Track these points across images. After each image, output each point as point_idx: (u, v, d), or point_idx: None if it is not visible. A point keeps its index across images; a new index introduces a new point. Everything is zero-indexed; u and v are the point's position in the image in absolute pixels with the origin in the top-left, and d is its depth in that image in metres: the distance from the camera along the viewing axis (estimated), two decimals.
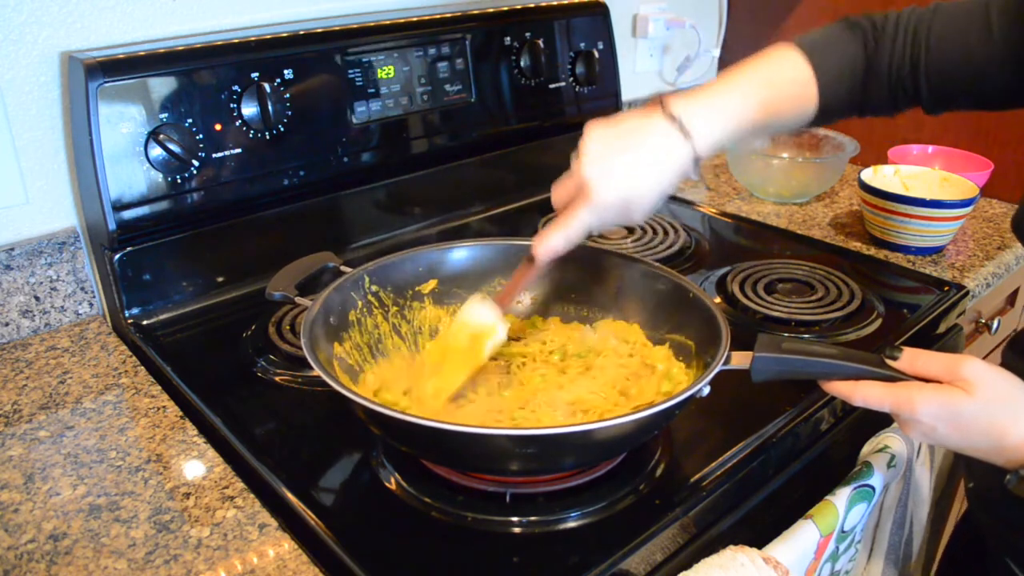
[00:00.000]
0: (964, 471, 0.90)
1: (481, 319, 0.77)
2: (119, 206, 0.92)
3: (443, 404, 0.74)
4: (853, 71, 0.81)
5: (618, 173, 0.71)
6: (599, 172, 0.71)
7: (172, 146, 0.92)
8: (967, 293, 1.08)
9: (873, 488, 0.79)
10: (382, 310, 0.83)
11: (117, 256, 0.95)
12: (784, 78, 0.79)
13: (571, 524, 0.67)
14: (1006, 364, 0.86)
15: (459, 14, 1.18)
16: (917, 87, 0.80)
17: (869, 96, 0.82)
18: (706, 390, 0.67)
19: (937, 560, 1.04)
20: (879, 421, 0.84)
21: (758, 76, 0.78)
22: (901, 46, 0.80)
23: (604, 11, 1.34)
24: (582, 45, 1.32)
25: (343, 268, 0.85)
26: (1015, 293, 1.37)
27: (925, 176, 1.25)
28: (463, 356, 0.76)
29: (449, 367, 0.76)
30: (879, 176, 1.25)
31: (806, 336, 0.96)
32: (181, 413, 0.82)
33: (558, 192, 0.75)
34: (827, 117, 0.83)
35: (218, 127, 0.97)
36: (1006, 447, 0.60)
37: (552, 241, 0.73)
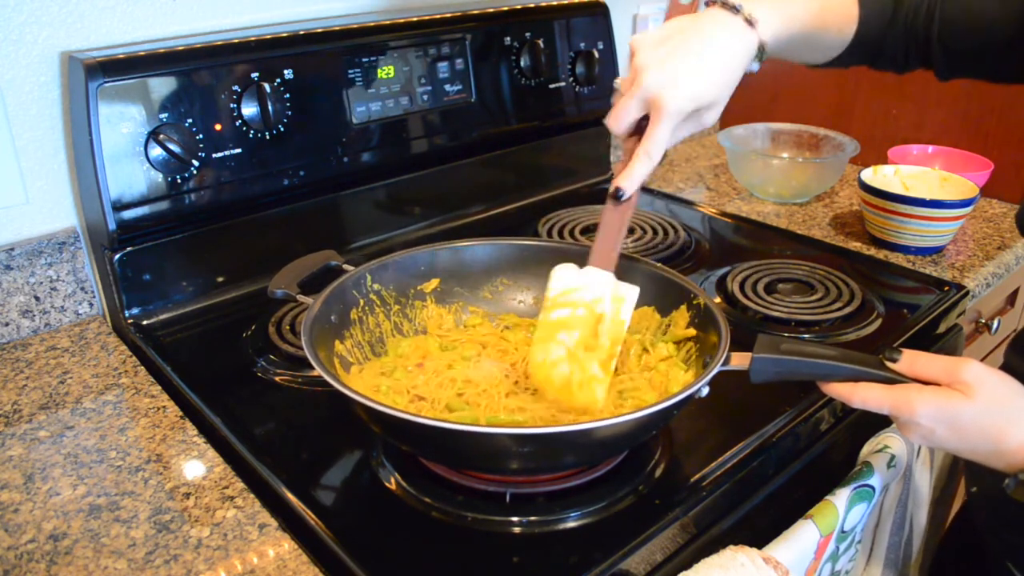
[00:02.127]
0: (966, 474, 0.90)
1: (619, 288, 0.72)
2: (119, 206, 0.92)
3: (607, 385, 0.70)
4: (884, 9, 0.81)
5: (686, 76, 0.65)
6: (666, 80, 0.65)
7: (172, 146, 0.92)
8: (967, 293, 1.08)
9: (873, 488, 0.80)
10: (384, 308, 0.84)
11: (117, 256, 0.95)
12: None
13: (571, 524, 0.67)
14: (1008, 365, 0.86)
15: (459, 14, 1.18)
16: (929, 38, 0.80)
17: (889, 39, 0.82)
18: (705, 390, 0.67)
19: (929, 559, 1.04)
20: (879, 421, 0.84)
21: None
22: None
23: (604, 11, 1.34)
24: (582, 45, 1.32)
25: (345, 267, 0.85)
26: (1015, 293, 1.37)
27: (925, 176, 1.25)
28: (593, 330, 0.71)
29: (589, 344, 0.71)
30: (879, 176, 1.25)
31: (806, 336, 0.96)
32: (181, 413, 0.82)
33: (618, 118, 0.69)
34: (857, 51, 0.82)
35: (218, 127, 0.97)
36: (1005, 451, 0.60)
37: (637, 170, 0.68)
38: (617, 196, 0.70)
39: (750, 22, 0.69)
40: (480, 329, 0.87)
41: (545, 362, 0.72)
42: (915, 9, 0.81)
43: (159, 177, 0.94)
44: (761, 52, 0.71)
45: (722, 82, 0.68)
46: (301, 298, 0.79)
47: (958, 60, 0.81)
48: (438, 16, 1.16)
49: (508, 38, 1.23)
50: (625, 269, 0.85)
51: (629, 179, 0.69)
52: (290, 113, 1.02)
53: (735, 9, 0.69)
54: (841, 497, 0.76)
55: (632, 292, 0.74)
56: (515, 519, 0.67)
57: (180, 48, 0.95)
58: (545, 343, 0.73)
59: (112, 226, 0.93)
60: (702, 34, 0.68)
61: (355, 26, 1.08)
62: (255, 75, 0.98)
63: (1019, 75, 0.80)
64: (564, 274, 0.74)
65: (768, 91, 1.75)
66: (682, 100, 0.66)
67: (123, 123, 0.90)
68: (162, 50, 0.94)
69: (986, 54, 0.79)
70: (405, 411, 0.63)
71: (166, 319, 0.99)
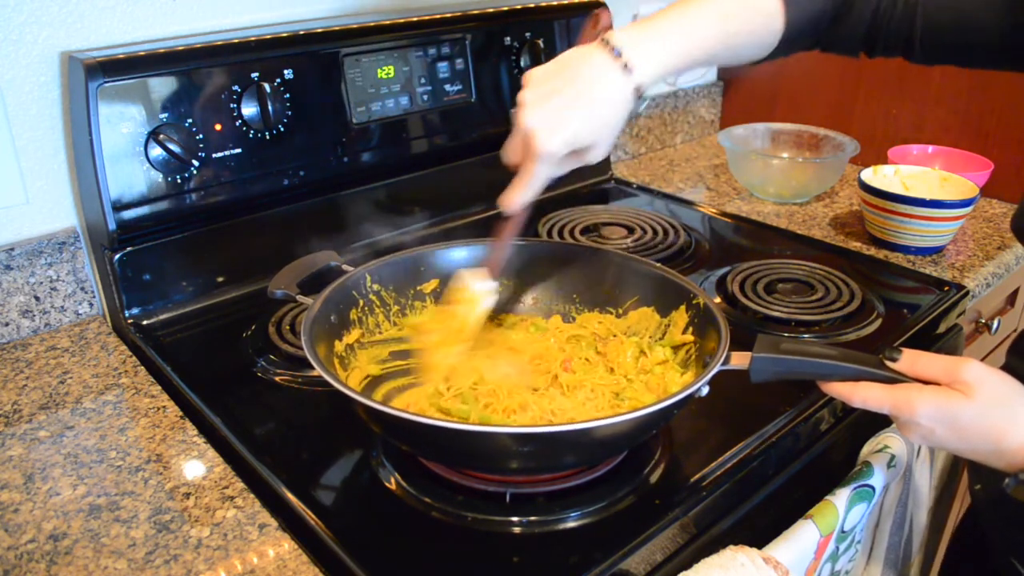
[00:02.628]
0: (969, 473, 0.90)
1: (478, 287, 0.79)
2: (119, 206, 0.92)
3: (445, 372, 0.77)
4: (822, 15, 0.79)
5: (559, 120, 0.68)
6: (540, 122, 0.68)
7: (172, 146, 0.92)
8: (967, 293, 1.08)
9: (873, 488, 0.79)
10: (383, 309, 0.84)
11: (117, 256, 0.95)
12: (747, 7, 0.76)
13: (571, 524, 0.67)
14: (1009, 367, 0.86)
15: (459, 14, 1.18)
16: (911, 33, 0.79)
17: (841, 29, 0.80)
18: (705, 390, 0.67)
19: (940, 560, 1.04)
20: (879, 421, 0.84)
21: (714, 7, 0.74)
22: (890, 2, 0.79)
23: (604, 11, 1.34)
24: None
25: (345, 267, 0.85)
26: (1015, 293, 1.37)
27: (925, 176, 1.25)
28: (461, 325, 0.78)
29: (447, 337, 0.78)
30: (879, 176, 1.25)
31: (806, 336, 0.96)
32: (181, 413, 0.82)
33: (509, 150, 0.73)
34: (788, 50, 0.80)
35: (218, 127, 0.97)
36: (1005, 450, 0.60)
37: (517, 198, 0.73)
38: (502, 214, 0.76)
39: (627, 68, 0.69)
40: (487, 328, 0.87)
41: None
42: (888, 6, 0.79)
43: (159, 177, 0.94)
44: (641, 96, 0.72)
45: (598, 126, 0.70)
46: (301, 298, 0.79)
47: (941, 54, 0.80)
48: (438, 16, 1.16)
49: (508, 38, 1.23)
50: (625, 269, 0.85)
51: (510, 203, 0.74)
52: (290, 113, 1.02)
53: (616, 53, 0.69)
54: (841, 497, 0.76)
55: (490, 299, 0.80)
56: (515, 519, 0.67)
57: (180, 48, 0.95)
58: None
59: (112, 226, 0.93)
60: (582, 79, 0.69)
61: (355, 26, 1.08)
62: (255, 75, 0.98)
63: (997, 59, 0.79)
64: (468, 278, 0.81)
65: (768, 91, 1.75)
66: (556, 144, 0.68)
67: (123, 123, 0.90)
68: (162, 50, 0.94)
69: (964, 38, 0.79)
70: (405, 411, 0.63)
71: (166, 319, 0.99)
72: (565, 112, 0.68)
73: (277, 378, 0.87)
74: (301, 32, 1.03)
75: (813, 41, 0.82)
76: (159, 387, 0.87)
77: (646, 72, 0.70)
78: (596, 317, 0.87)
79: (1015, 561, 0.80)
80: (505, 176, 1.27)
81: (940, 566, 1.01)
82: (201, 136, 0.96)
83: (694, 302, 0.78)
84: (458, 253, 0.88)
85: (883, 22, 0.80)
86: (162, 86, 0.92)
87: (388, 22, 1.11)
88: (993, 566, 0.85)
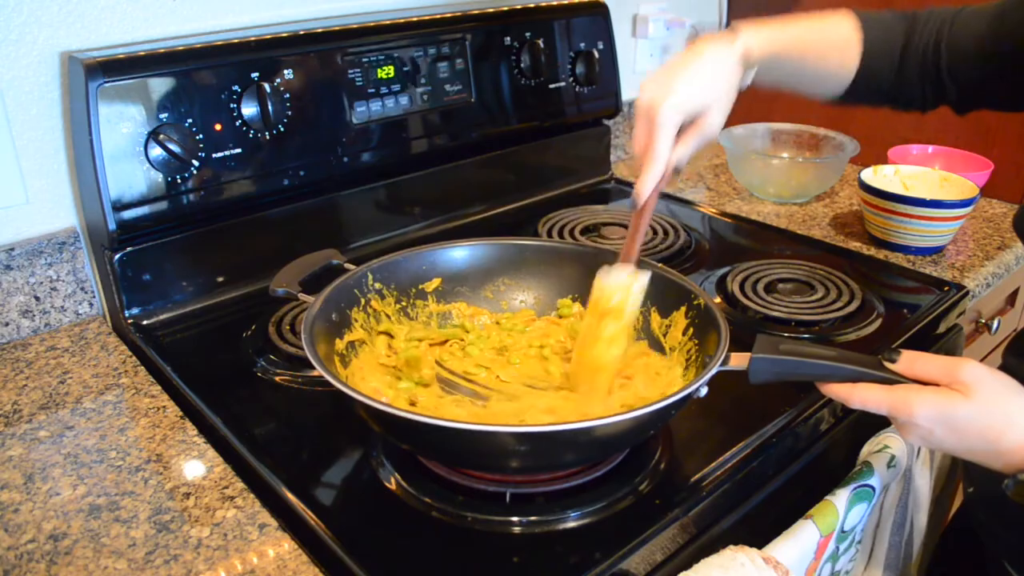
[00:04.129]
0: (964, 475, 0.90)
1: (619, 281, 0.76)
2: (119, 206, 0.92)
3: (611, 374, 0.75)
4: (892, 48, 0.85)
5: (673, 82, 0.72)
6: (656, 90, 0.72)
7: (172, 146, 0.92)
8: (967, 293, 1.08)
9: (873, 488, 0.80)
10: (385, 308, 0.84)
11: (117, 256, 0.95)
12: (833, 27, 0.85)
13: (571, 524, 0.67)
14: (1007, 367, 0.86)
15: (459, 14, 1.18)
16: (939, 73, 0.84)
17: (903, 78, 0.86)
18: (704, 390, 0.67)
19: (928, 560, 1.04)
20: (879, 421, 0.84)
21: (808, 19, 0.84)
22: (930, 32, 0.84)
23: (604, 11, 1.34)
24: (582, 45, 1.32)
25: (347, 266, 0.85)
26: (1015, 293, 1.37)
27: (925, 176, 1.25)
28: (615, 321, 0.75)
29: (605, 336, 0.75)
30: (879, 176, 1.25)
31: (806, 336, 0.96)
32: (181, 413, 0.82)
33: (635, 138, 0.75)
34: (866, 87, 0.87)
35: (218, 127, 0.97)
36: (1003, 451, 0.60)
37: (645, 180, 0.73)
38: (634, 204, 0.76)
39: (733, 34, 0.77)
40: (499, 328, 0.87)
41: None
42: (924, 45, 0.84)
43: (159, 177, 0.94)
44: (748, 60, 0.78)
45: (711, 86, 0.75)
46: (303, 296, 0.79)
47: (970, 90, 0.85)
48: (438, 16, 1.16)
49: (508, 38, 1.23)
50: None
51: (639, 187, 0.74)
52: (290, 113, 1.02)
53: (722, 31, 0.78)
54: (841, 497, 0.76)
55: (643, 277, 0.77)
56: (515, 519, 0.67)
57: (180, 48, 0.95)
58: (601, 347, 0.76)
59: (112, 226, 0.93)
60: (692, 51, 0.76)
61: (355, 26, 1.08)
62: (255, 75, 0.98)
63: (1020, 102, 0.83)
64: (610, 275, 0.77)
65: (768, 91, 1.75)
66: (673, 106, 0.72)
67: (123, 123, 0.90)
68: (162, 50, 0.94)
69: (993, 79, 0.83)
70: (405, 410, 0.63)
71: (166, 319, 0.99)
72: (679, 75, 0.73)
73: (277, 378, 0.87)
74: (301, 32, 1.03)
75: (887, 84, 0.87)
76: (159, 387, 0.87)
77: (749, 40, 0.77)
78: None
79: (1008, 565, 0.80)
80: (505, 174, 1.27)
81: (927, 566, 1.01)
82: (201, 136, 0.96)
83: (694, 302, 0.78)
84: (459, 252, 0.88)
85: (922, 53, 0.85)
86: (162, 86, 0.92)
87: (388, 22, 1.11)
88: (984, 569, 0.85)
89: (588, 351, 0.75)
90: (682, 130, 0.75)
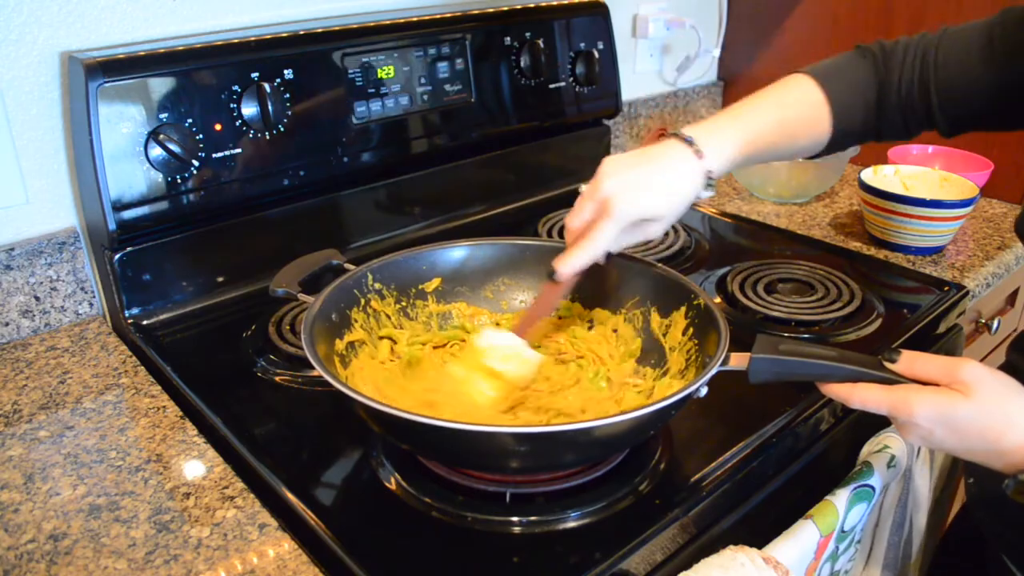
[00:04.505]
0: (966, 472, 0.90)
1: (504, 343, 0.77)
2: (119, 206, 0.92)
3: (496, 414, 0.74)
4: (866, 96, 0.84)
5: (636, 186, 0.73)
6: (617, 186, 0.73)
7: (172, 146, 0.92)
8: (967, 293, 1.08)
9: (873, 488, 0.80)
10: (385, 308, 0.84)
11: (117, 256, 0.95)
12: (797, 100, 0.83)
13: (571, 524, 0.67)
14: (1010, 364, 0.86)
15: (459, 14, 1.18)
16: (929, 108, 0.82)
17: (884, 120, 0.84)
18: (704, 391, 0.67)
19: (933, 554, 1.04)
20: (879, 421, 0.84)
21: (770, 100, 0.82)
22: (910, 69, 0.82)
23: (604, 11, 1.34)
24: (582, 45, 1.32)
25: (347, 266, 0.85)
26: (1015, 293, 1.37)
27: (925, 176, 1.25)
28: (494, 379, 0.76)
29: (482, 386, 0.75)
30: (879, 176, 1.25)
31: (806, 336, 0.96)
32: (181, 413, 0.82)
33: (573, 218, 0.76)
34: (844, 141, 0.85)
35: (218, 127, 0.97)
36: (1003, 451, 0.60)
37: (575, 259, 0.74)
38: (551, 275, 0.76)
39: (699, 153, 0.76)
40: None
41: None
42: (906, 86, 0.82)
43: (159, 177, 0.94)
44: (709, 181, 0.77)
45: (669, 202, 0.75)
46: (302, 296, 0.79)
47: (959, 121, 0.83)
48: (438, 16, 1.16)
49: (508, 38, 1.23)
50: (625, 269, 0.85)
51: (566, 264, 0.74)
52: (290, 113, 1.02)
53: (688, 141, 0.76)
54: (841, 497, 0.76)
55: (534, 360, 0.78)
56: (515, 519, 0.67)
57: (180, 48, 0.95)
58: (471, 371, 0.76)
59: (112, 226, 0.93)
60: (659, 159, 0.75)
61: (355, 26, 1.08)
62: (255, 75, 0.98)
63: (1018, 123, 0.82)
64: (491, 339, 0.78)
65: None
66: (629, 208, 0.72)
67: (123, 123, 0.90)
68: (162, 50, 0.94)
69: (982, 111, 0.81)
70: (405, 410, 0.63)
71: (166, 319, 0.99)
72: (643, 180, 0.74)
73: (277, 378, 0.87)
74: (301, 32, 1.03)
75: (865, 131, 0.86)
76: (159, 387, 0.87)
77: (714, 159, 0.76)
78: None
79: (1008, 560, 0.80)
80: (505, 174, 1.27)
81: (932, 560, 1.01)
82: (201, 136, 0.96)
83: (694, 303, 0.78)
84: (459, 252, 0.88)
85: (905, 95, 0.83)
86: (162, 86, 0.92)
87: (388, 22, 1.11)
88: (987, 567, 0.85)
89: (463, 386, 0.75)
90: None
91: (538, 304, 0.79)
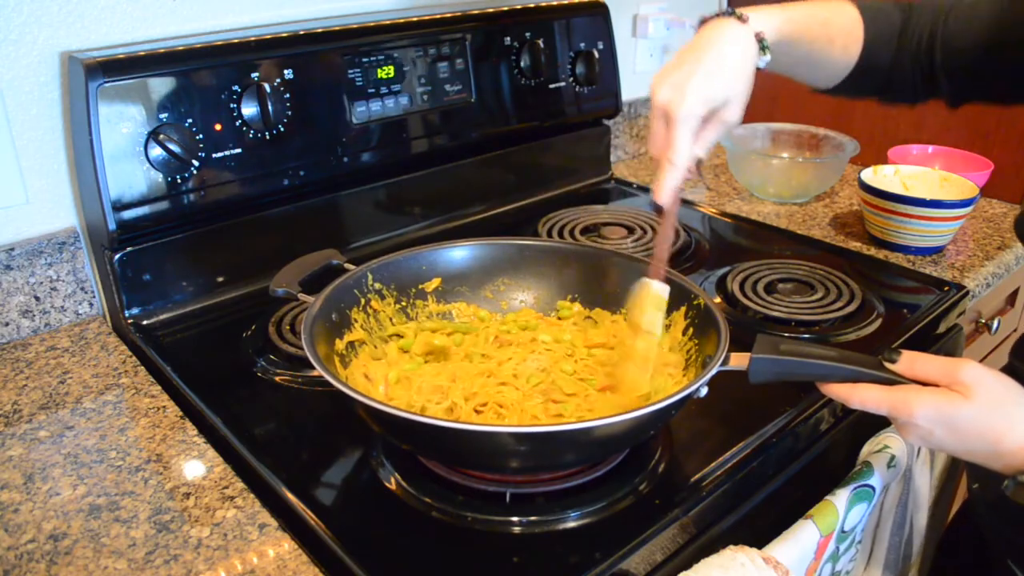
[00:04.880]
0: (968, 472, 0.90)
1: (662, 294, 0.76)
2: (119, 206, 0.92)
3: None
4: (890, 35, 0.85)
5: (688, 78, 0.69)
6: (671, 89, 0.70)
7: (172, 146, 0.92)
8: (967, 293, 1.08)
9: (873, 488, 0.80)
10: (384, 308, 0.84)
11: (117, 256, 0.95)
12: (836, 12, 0.84)
13: (571, 524, 0.67)
14: (1012, 369, 0.86)
15: (459, 14, 1.18)
16: (933, 63, 0.83)
17: (898, 67, 0.85)
18: (704, 391, 0.67)
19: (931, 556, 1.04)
20: (879, 421, 0.84)
21: (809, 4, 0.82)
22: (925, 21, 0.84)
23: (604, 11, 1.34)
24: (582, 45, 1.32)
25: (347, 266, 0.85)
26: (1015, 293, 1.37)
27: (925, 176, 1.25)
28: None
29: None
30: (879, 176, 1.25)
31: (806, 336, 0.96)
32: (181, 413, 0.82)
33: (651, 143, 0.73)
34: (862, 75, 0.86)
35: (218, 127, 0.97)
36: (1003, 452, 0.60)
37: (666, 181, 0.70)
38: (657, 208, 0.73)
39: (741, 18, 0.74)
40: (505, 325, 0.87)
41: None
42: (919, 35, 0.84)
43: (159, 177, 0.94)
44: (762, 43, 0.75)
45: (728, 78, 0.72)
46: (303, 296, 0.79)
47: (964, 83, 0.84)
48: (438, 16, 1.16)
49: (508, 38, 1.23)
50: (626, 269, 0.85)
51: (660, 188, 0.71)
52: (290, 113, 1.02)
53: (729, 14, 0.74)
54: (841, 497, 0.76)
55: (663, 292, 0.76)
56: (515, 519, 0.67)
57: (180, 48, 0.95)
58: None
59: (112, 226, 0.93)
60: (702, 41, 0.73)
61: (355, 26, 1.08)
62: (255, 75, 0.98)
63: (1019, 92, 0.82)
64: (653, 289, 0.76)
65: (768, 91, 1.75)
66: (690, 104, 0.69)
67: (123, 123, 0.90)
68: (162, 50, 0.94)
69: (989, 71, 0.82)
70: (405, 410, 0.63)
71: (166, 319, 0.99)
72: (694, 71, 0.70)
73: (277, 378, 0.87)
74: (301, 32, 1.03)
75: (882, 75, 0.86)
76: (159, 387, 0.87)
77: (760, 22, 0.74)
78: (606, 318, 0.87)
79: (1012, 564, 0.80)
80: (505, 174, 1.27)
81: (931, 562, 1.01)
82: (201, 136, 0.96)
83: (694, 303, 0.78)
84: (459, 252, 0.88)
85: (916, 59, 0.84)
86: (162, 86, 0.92)
87: (388, 22, 1.11)
88: (988, 567, 0.85)
89: (631, 374, 0.74)
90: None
91: (659, 241, 0.76)
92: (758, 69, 0.76)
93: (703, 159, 0.73)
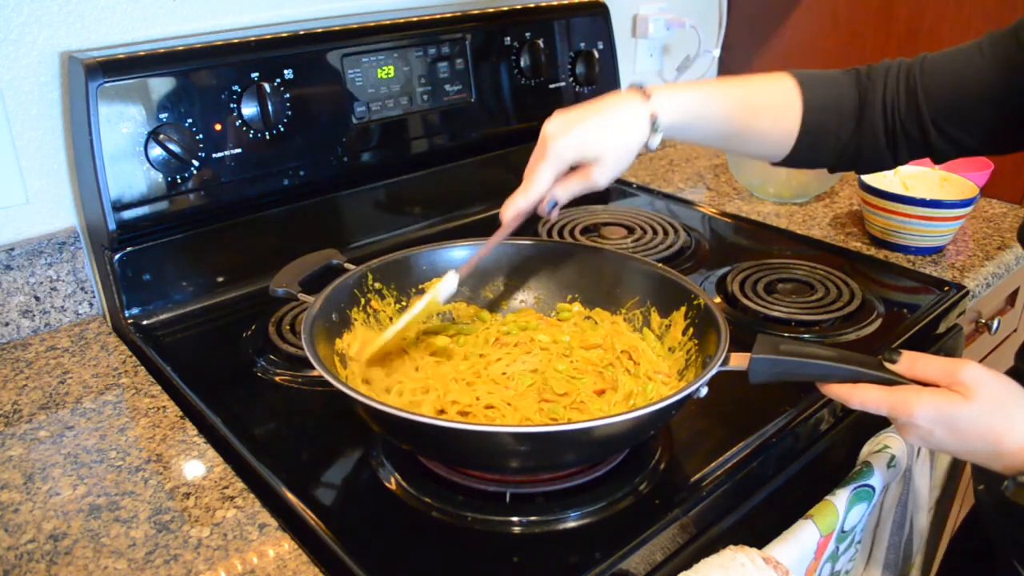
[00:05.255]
0: (973, 472, 0.90)
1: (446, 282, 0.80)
2: (119, 206, 0.92)
3: (369, 357, 0.77)
4: (842, 103, 0.82)
5: (572, 125, 0.73)
6: (555, 127, 0.74)
7: (172, 146, 0.92)
8: (967, 293, 1.08)
9: (873, 488, 0.80)
10: (385, 307, 0.84)
11: (117, 256, 0.95)
12: (767, 84, 0.82)
13: (571, 524, 0.67)
14: (1017, 371, 0.86)
15: (459, 14, 1.18)
16: (920, 120, 0.80)
17: (863, 136, 0.82)
18: (704, 391, 0.67)
19: (938, 560, 1.04)
20: (879, 421, 0.84)
21: (741, 78, 0.82)
22: (894, 82, 0.81)
23: (604, 11, 1.34)
24: (582, 45, 1.32)
25: (347, 265, 0.85)
26: (1015, 293, 1.37)
27: (925, 176, 1.25)
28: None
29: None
30: (879, 176, 1.25)
31: (806, 336, 0.96)
32: (181, 413, 0.82)
33: (529, 163, 0.77)
34: (815, 150, 0.83)
35: (218, 127, 0.97)
36: (1003, 453, 0.60)
37: (515, 203, 0.75)
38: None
39: (646, 95, 0.76)
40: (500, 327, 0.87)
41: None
42: (892, 99, 0.80)
43: (159, 177, 0.94)
44: (654, 124, 0.76)
45: (607, 141, 0.74)
46: (303, 296, 0.79)
47: (950, 137, 0.80)
48: (438, 16, 1.16)
49: (508, 38, 1.23)
50: (625, 269, 0.85)
51: (506, 206, 0.76)
52: (290, 113, 1.02)
53: (638, 86, 0.77)
54: (841, 497, 0.76)
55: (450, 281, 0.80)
56: (515, 519, 0.67)
57: (180, 48, 0.95)
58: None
59: (112, 226, 0.93)
60: (603, 102, 0.76)
61: (355, 26, 1.08)
62: (255, 75, 0.98)
63: (1009, 139, 0.80)
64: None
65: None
66: (564, 145, 0.73)
67: (123, 123, 0.90)
68: (162, 50, 0.94)
69: (978, 119, 0.79)
70: (405, 410, 0.63)
71: (166, 319, 0.99)
72: (581, 119, 0.74)
73: (277, 378, 0.87)
74: (301, 32, 1.03)
75: (839, 147, 0.83)
76: (159, 387, 0.87)
77: (661, 103, 0.75)
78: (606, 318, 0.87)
79: (1017, 564, 0.80)
80: (505, 174, 1.27)
81: (939, 566, 1.01)
82: (201, 136, 0.96)
83: (694, 303, 0.78)
84: (459, 252, 0.88)
85: (894, 112, 0.81)
86: (162, 86, 0.92)
87: (388, 22, 1.11)
88: (995, 568, 0.85)
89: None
90: (574, 171, 0.76)
91: (482, 249, 0.81)
92: (656, 148, 0.77)
93: (559, 203, 0.76)
